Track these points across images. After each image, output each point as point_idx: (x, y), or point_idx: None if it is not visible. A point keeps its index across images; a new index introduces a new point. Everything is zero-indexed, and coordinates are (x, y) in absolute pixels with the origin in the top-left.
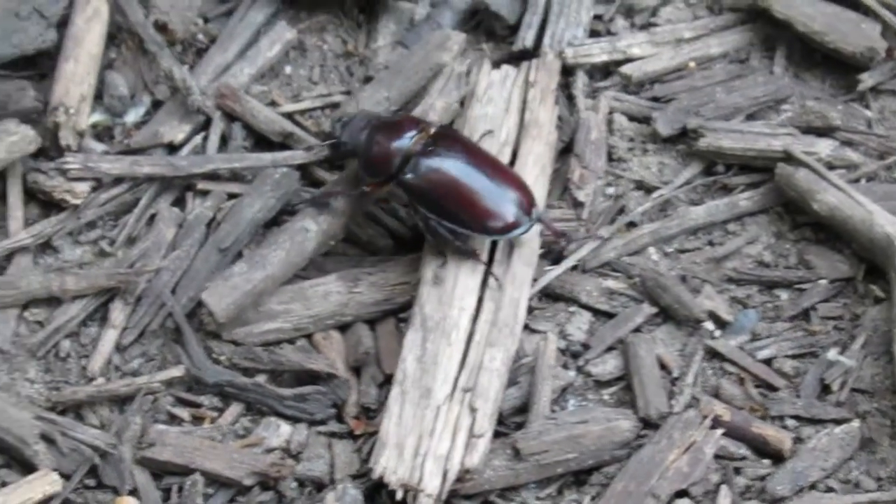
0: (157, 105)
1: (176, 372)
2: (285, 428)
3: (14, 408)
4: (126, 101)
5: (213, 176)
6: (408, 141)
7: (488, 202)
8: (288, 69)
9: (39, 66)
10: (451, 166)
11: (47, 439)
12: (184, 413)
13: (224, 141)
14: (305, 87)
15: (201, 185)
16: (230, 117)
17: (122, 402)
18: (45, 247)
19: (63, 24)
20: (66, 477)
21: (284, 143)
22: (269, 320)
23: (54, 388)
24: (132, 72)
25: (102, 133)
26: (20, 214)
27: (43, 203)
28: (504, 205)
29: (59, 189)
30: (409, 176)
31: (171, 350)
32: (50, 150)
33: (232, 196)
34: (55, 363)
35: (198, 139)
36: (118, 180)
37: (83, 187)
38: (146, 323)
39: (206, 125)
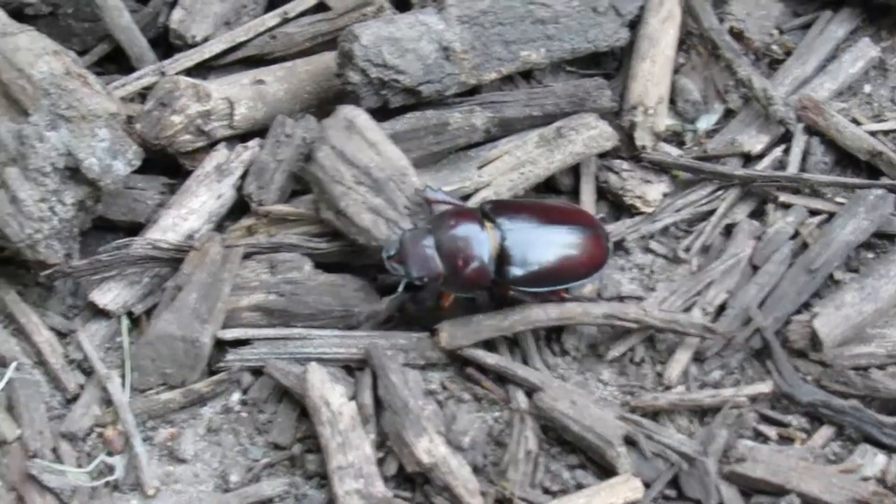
0: (727, 113)
1: (763, 388)
2: (881, 457)
3: (595, 406)
4: (699, 107)
5: (795, 190)
6: (484, 239)
7: (586, 247)
8: (867, 88)
9: (602, 64)
10: (537, 237)
11: (629, 442)
12: (770, 431)
13: (803, 155)
14: (887, 107)
15: (783, 199)
16: (810, 131)
17: (702, 413)
18: (616, 247)
19: (633, 24)
20: (644, 484)
21: (870, 162)
22: (862, 344)
23: (629, 392)
24: (701, 78)
25: (670, 138)
26: (592, 212)
27: (610, 203)
28: (596, 240)
29: (631, 194)
30: (512, 269)
31: (752, 365)
32: (620, 150)
33: (813, 213)
34: (630, 367)
35: (777, 151)
36: (690, 187)
37: (656, 193)
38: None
39: (783, 138)
